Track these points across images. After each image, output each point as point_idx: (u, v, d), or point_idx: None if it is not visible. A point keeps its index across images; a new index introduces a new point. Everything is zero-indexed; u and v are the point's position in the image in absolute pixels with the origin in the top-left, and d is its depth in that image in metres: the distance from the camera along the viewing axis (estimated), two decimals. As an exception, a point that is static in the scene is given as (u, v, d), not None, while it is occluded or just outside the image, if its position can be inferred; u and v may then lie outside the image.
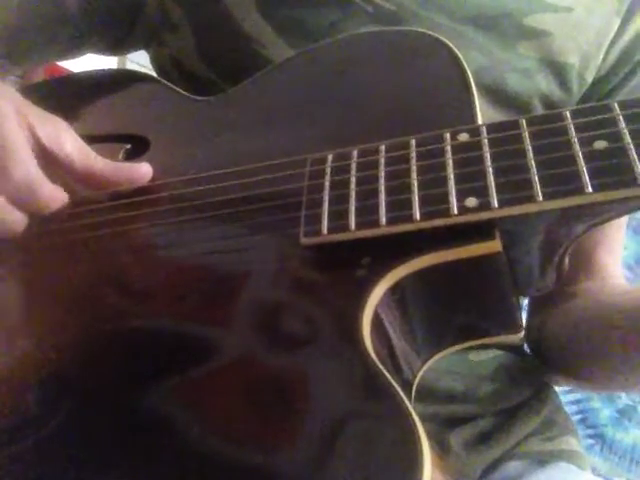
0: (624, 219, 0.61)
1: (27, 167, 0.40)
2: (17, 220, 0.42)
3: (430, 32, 0.43)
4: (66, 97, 0.56)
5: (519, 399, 0.56)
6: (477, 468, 0.52)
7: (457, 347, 0.38)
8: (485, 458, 0.53)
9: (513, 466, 0.54)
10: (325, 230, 0.35)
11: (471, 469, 0.52)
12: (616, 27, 0.55)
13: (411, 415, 0.27)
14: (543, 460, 0.55)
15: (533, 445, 0.55)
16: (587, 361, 0.54)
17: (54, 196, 0.42)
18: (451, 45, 0.42)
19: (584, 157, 0.32)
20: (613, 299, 0.52)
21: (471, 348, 0.51)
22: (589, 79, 0.55)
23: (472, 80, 0.40)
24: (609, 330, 0.49)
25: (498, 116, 0.51)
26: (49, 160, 0.42)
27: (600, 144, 0.32)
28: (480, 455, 0.53)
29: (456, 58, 0.41)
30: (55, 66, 1.26)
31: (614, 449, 1.13)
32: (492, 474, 0.53)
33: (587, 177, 0.31)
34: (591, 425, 1.16)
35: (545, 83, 0.53)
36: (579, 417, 1.15)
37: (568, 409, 0.62)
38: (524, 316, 0.62)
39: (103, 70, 0.58)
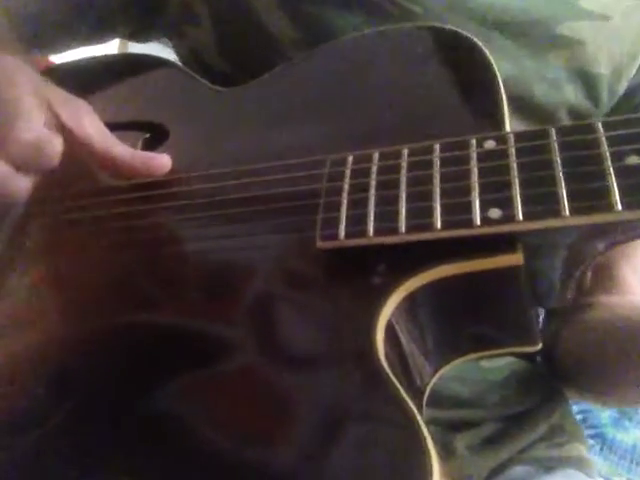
0: None
1: (36, 128, 0.40)
2: (21, 186, 0.41)
3: (462, 31, 0.42)
4: (83, 81, 0.55)
5: (528, 405, 0.56)
6: (482, 472, 0.52)
7: (471, 357, 0.37)
8: (491, 462, 0.53)
9: (518, 471, 0.54)
10: (342, 235, 0.34)
11: (476, 472, 0.52)
12: None
13: (421, 428, 0.27)
14: (550, 466, 0.54)
15: (540, 451, 0.55)
16: (598, 373, 0.54)
17: (59, 151, 0.41)
18: (483, 47, 0.40)
19: (615, 172, 0.31)
20: (628, 314, 0.51)
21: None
22: (620, 90, 0.53)
23: (502, 85, 0.39)
24: (621, 345, 0.48)
25: (521, 126, 0.50)
26: (68, 139, 0.42)
27: (632, 159, 0.31)
28: (486, 459, 0.53)
29: (488, 62, 0.40)
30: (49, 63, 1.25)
31: (614, 449, 1.13)
32: (497, 478, 0.53)
33: (617, 194, 0.30)
34: (591, 425, 1.16)
35: (573, 94, 0.51)
36: (579, 417, 1.14)
37: (568, 409, 0.62)
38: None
39: (120, 54, 0.57)
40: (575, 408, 1.16)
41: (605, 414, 1.17)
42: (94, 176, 0.45)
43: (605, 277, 0.57)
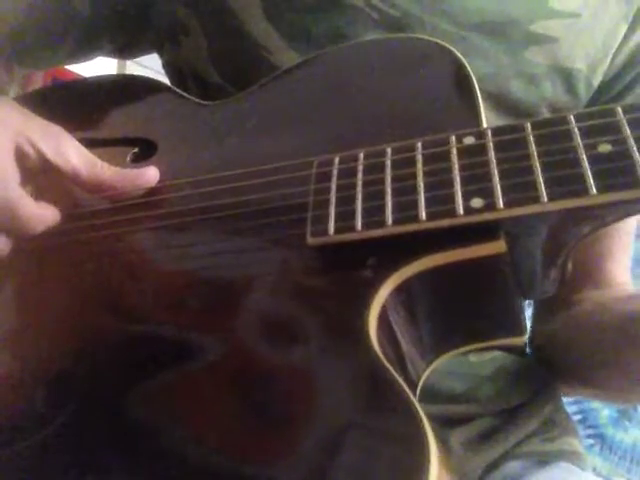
0: (632, 228, 0.61)
1: (6, 191, 0.40)
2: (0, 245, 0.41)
3: (435, 39, 0.44)
4: (74, 101, 0.56)
5: (520, 399, 0.57)
6: (477, 468, 0.53)
7: (462, 349, 0.38)
8: (485, 458, 0.53)
9: (513, 466, 0.54)
10: (332, 230, 0.35)
11: (471, 469, 0.52)
12: (623, 32, 0.55)
13: (419, 414, 0.27)
14: (543, 460, 0.55)
15: (534, 445, 0.55)
16: (584, 367, 0.55)
17: (38, 216, 0.42)
18: (455, 51, 0.42)
19: (588, 160, 0.32)
20: (612, 306, 0.52)
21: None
22: (596, 84, 0.55)
23: (477, 85, 0.40)
24: (602, 336, 0.49)
25: (502, 123, 0.51)
26: (55, 173, 0.42)
27: (604, 147, 0.32)
28: (480, 455, 0.53)
29: (461, 64, 0.41)
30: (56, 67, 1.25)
31: (614, 449, 1.14)
32: (493, 474, 0.53)
33: (591, 179, 0.32)
34: (591, 425, 1.16)
35: (552, 89, 0.53)
36: (579, 417, 1.15)
37: (568, 409, 0.62)
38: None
39: (110, 75, 0.58)
40: (574, 408, 1.17)
41: (604, 414, 1.17)
42: (84, 199, 0.45)
43: (592, 272, 0.58)
